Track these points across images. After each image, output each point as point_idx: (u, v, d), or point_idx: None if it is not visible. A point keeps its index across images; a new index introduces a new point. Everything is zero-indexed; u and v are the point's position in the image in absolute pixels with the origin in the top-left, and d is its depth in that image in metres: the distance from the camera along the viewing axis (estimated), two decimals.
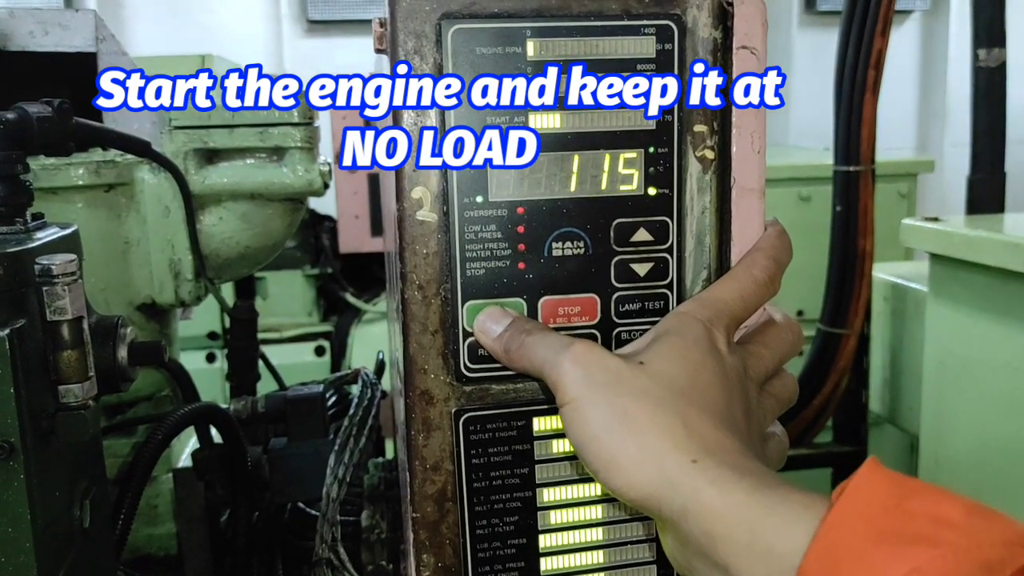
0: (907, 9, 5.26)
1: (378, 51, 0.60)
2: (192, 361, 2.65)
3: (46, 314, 0.62)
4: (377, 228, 3.07)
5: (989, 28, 1.84)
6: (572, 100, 0.59)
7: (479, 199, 0.60)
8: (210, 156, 1.14)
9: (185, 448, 1.25)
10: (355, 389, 1.15)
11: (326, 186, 1.18)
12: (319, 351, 3.10)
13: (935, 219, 1.70)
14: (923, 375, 1.79)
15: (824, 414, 2.09)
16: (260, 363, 1.36)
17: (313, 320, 3.17)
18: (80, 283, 0.63)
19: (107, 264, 1.12)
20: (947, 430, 1.74)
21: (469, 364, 0.61)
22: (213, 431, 1.03)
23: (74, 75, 1.24)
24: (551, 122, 0.59)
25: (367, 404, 1.09)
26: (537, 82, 0.59)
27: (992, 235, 1.57)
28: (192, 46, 3.52)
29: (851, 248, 1.96)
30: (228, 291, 2.98)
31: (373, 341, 2.99)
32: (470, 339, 0.61)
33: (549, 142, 0.60)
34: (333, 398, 1.30)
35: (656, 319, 0.63)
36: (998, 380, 1.59)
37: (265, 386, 1.30)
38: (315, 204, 3.28)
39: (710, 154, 0.62)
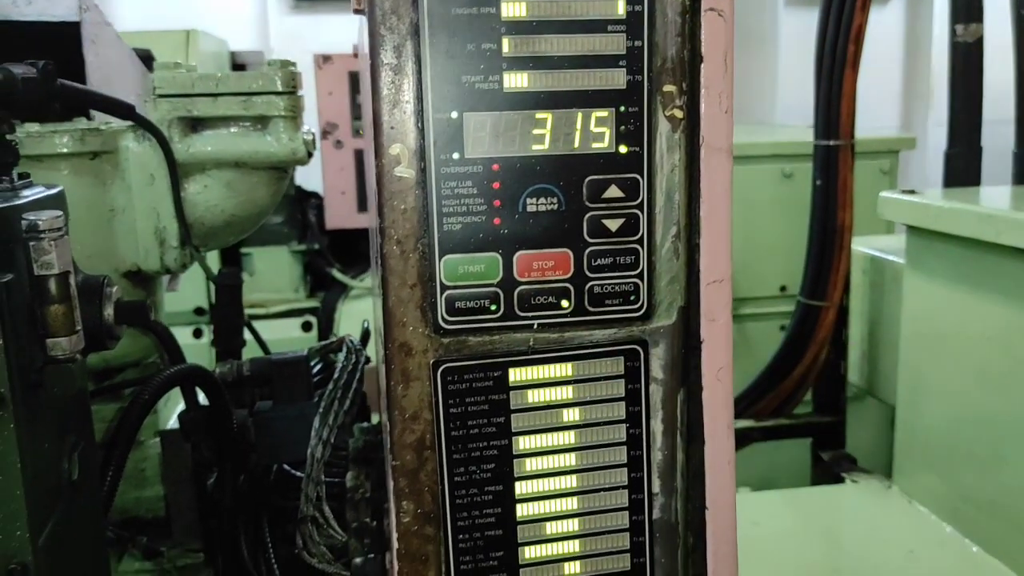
0: None
1: (356, 11, 0.61)
2: (179, 336, 2.65)
3: (33, 269, 0.63)
4: (363, 204, 3.08)
5: (967, 3, 1.86)
6: (545, 60, 0.61)
7: (455, 156, 0.61)
8: (194, 124, 1.15)
9: (172, 414, 1.27)
10: (340, 357, 1.17)
11: (310, 155, 1.19)
12: (306, 326, 3.11)
13: (912, 192, 1.72)
14: (900, 346, 1.82)
15: (804, 385, 2.12)
16: (246, 331, 1.38)
17: (300, 296, 3.18)
18: (66, 239, 0.64)
19: (93, 231, 1.13)
20: (922, 401, 1.77)
21: (447, 316, 0.63)
22: (200, 396, 1.04)
23: (58, 45, 1.25)
24: (524, 81, 0.61)
25: (352, 368, 1.11)
26: (511, 41, 0.60)
27: (967, 207, 1.59)
28: (178, 22, 3.51)
29: (831, 221, 1.99)
30: (215, 265, 2.98)
31: (360, 316, 3.00)
32: (448, 292, 0.63)
33: (523, 101, 0.61)
34: (319, 366, 1.32)
35: (628, 273, 0.65)
36: (972, 350, 1.62)
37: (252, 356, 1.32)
38: (301, 180, 3.28)
39: (679, 113, 0.64)
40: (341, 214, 3.09)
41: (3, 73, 0.68)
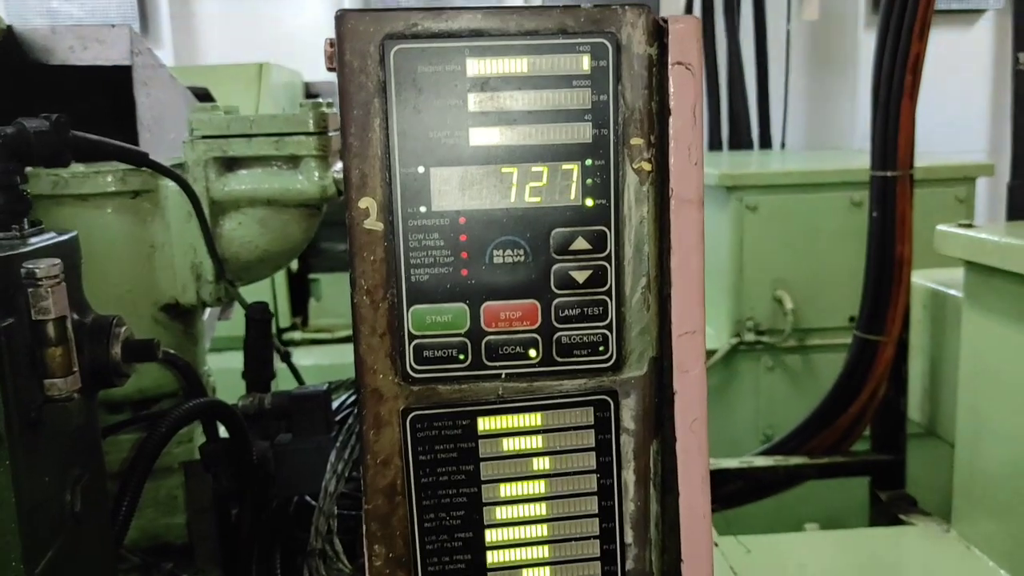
0: (979, 8, 5.12)
1: (329, 69, 0.64)
2: (235, 360, 2.74)
3: (31, 314, 0.67)
4: None
5: None
6: (510, 115, 0.62)
7: (422, 209, 0.63)
8: (230, 164, 1.20)
9: None
10: None
11: (340, 193, 1.23)
12: None
13: (969, 225, 1.67)
14: (959, 384, 1.76)
15: (861, 422, 2.06)
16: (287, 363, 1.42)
17: None
18: (63, 286, 0.68)
19: (133, 266, 1.19)
20: (982, 442, 1.70)
21: (415, 365, 0.65)
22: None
23: (114, 85, 1.32)
24: (489, 136, 0.62)
25: None
26: (476, 97, 0.62)
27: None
28: (261, 55, 3.64)
29: (888, 255, 1.93)
30: (283, 293, 3.07)
31: None
32: (416, 341, 0.64)
33: (488, 155, 0.63)
34: (352, 399, 1.35)
35: (596, 324, 0.65)
36: None
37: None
38: None
39: (647, 166, 0.64)
40: None
41: (17, 127, 0.73)
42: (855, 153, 3.92)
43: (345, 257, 2.48)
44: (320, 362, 2.96)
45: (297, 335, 3.15)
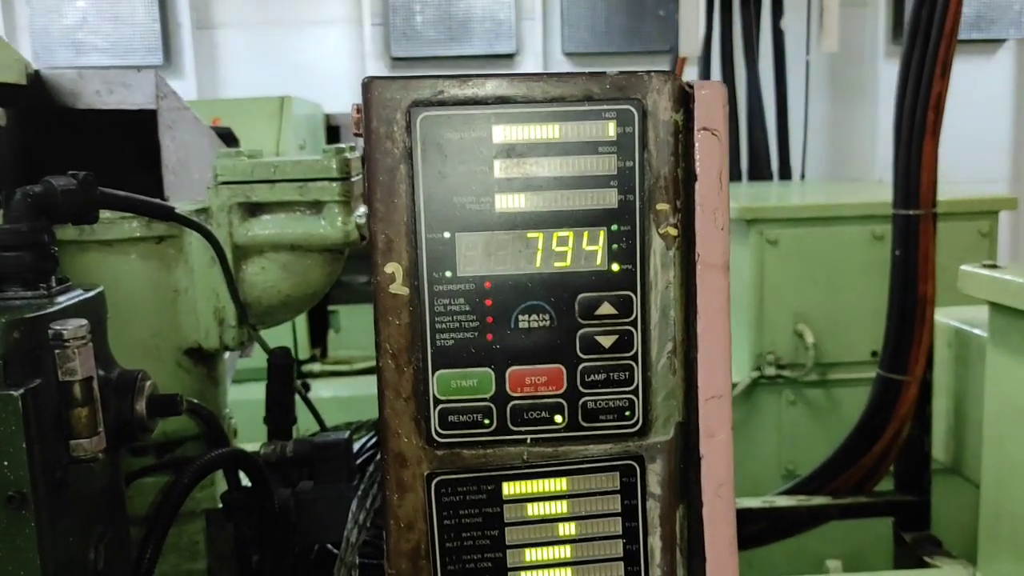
0: (999, 38, 5.11)
1: (356, 135, 0.64)
2: (254, 392, 2.75)
3: (59, 375, 0.67)
4: None
5: None
6: (536, 181, 0.62)
7: (448, 274, 0.63)
8: (253, 209, 1.20)
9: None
10: None
11: (363, 238, 1.23)
12: None
13: (993, 265, 1.65)
14: (984, 424, 1.74)
15: (885, 461, 2.03)
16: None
17: None
18: (90, 347, 0.68)
19: (158, 311, 1.19)
20: (1008, 481, 1.68)
21: (440, 430, 0.64)
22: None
23: (141, 128, 1.33)
24: (515, 202, 0.62)
25: None
26: (502, 164, 0.62)
27: None
28: (282, 86, 3.68)
29: (911, 293, 1.92)
30: (303, 325, 3.08)
31: None
32: (441, 405, 0.64)
33: (514, 221, 0.63)
34: (373, 440, 1.34)
35: (623, 389, 0.65)
36: None
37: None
38: None
39: (673, 231, 0.64)
40: None
41: (44, 185, 0.74)
42: (875, 185, 3.90)
43: (364, 288, 2.51)
44: (339, 394, 2.97)
45: (316, 367, 3.16)
